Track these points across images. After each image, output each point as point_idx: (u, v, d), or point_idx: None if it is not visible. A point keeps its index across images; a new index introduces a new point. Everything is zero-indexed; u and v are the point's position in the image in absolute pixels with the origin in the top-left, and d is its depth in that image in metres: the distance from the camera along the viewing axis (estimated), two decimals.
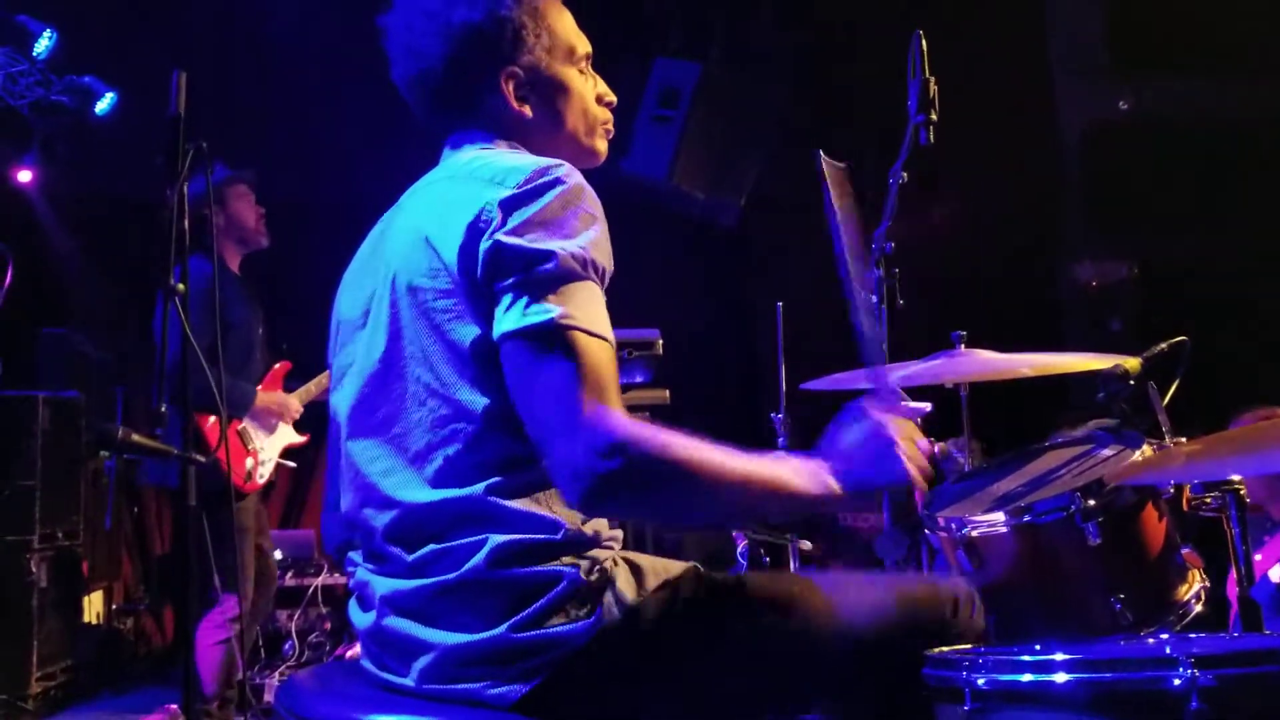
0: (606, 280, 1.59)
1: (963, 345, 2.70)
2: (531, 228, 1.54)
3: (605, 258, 1.58)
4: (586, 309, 1.52)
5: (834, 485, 1.57)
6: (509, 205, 1.55)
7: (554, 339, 1.49)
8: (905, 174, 2.70)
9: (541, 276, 1.51)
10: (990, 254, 5.76)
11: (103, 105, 5.19)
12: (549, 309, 1.49)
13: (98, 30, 5.43)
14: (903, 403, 1.74)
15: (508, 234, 1.53)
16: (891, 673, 1.72)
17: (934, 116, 2.51)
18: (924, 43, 2.54)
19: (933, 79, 2.53)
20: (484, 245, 1.54)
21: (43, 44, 5.12)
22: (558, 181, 1.58)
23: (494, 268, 1.54)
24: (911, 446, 1.62)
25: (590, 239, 1.56)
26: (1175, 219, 5.67)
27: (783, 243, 6.52)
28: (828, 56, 6.06)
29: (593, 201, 1.60)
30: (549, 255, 1.52)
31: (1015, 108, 5.79)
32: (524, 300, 1.51)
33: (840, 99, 5.97)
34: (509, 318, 1.51)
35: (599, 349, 1.50)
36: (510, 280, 1.52)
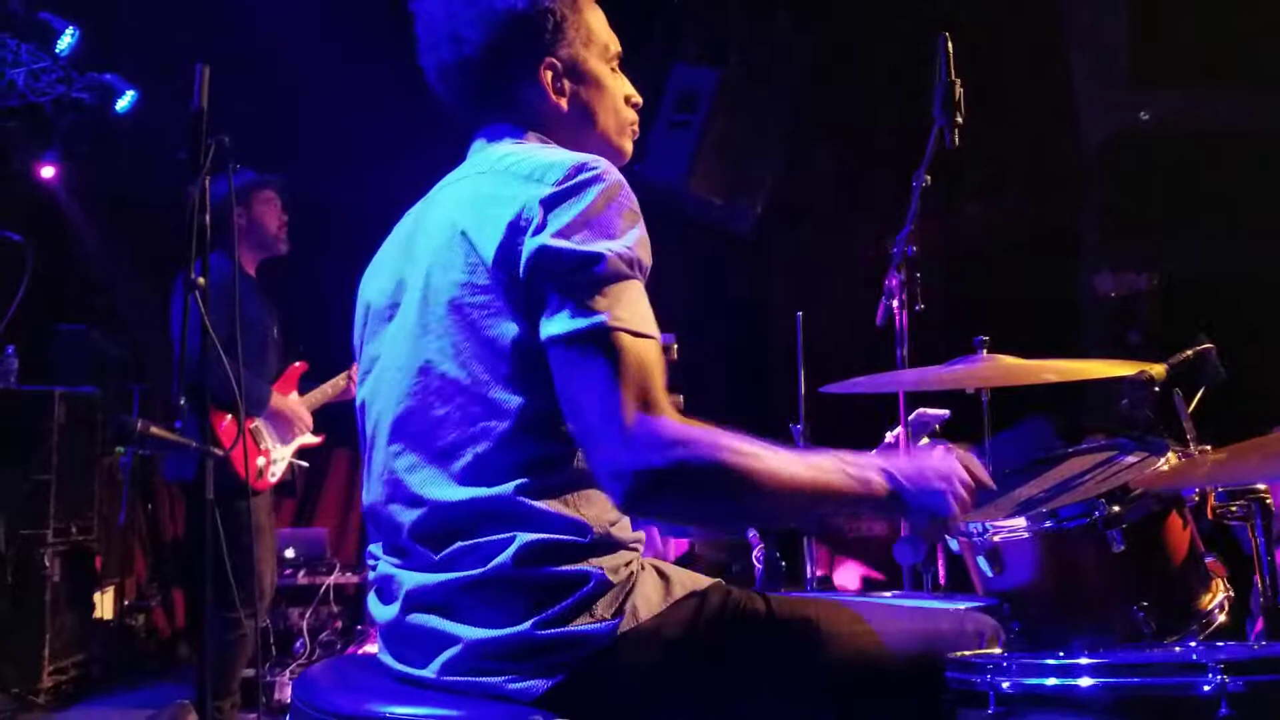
0: (647, 275, 1.59)
1: (985, 351, 2.69)
2: (576, 228, 1.53)
3: (647, 255, 1.58)
4: (633, 309, 1.51)
5: (878, 482, 1.58)
6: (550, 203, 1.54)
7: (602, 342, 1.48)
8: (928, 178, 2.68)
9: (588, 279, 1.51)
10: (1009, 263, 5.74)
11: (123, 103, 5.22)
12: (597, 313, 1.49)
13: (119, 28, 5.46)
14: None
15: (553, 235, 1.52)
16: (911, 704, 1.71)
17: (959, 119, 2.49)
18: (949, 45, 2.53)
19: (957, 81, 2.51)
20: (527, 245, 1.53)
21: (65, 41, 5.15)
22: (598, 179, 1.57)
23: (538, 269, 1.53)
24: (967, 494, 1.63)
25: (634, 237, 1.56)
26: (1196, 230, 5.64)
27: (799, 249, 6.51)
28: (846, 62, 6.05)
29: (631, 197, 1.60)
30: (597, 258, 1.51)
31: (1036, 117, 5.77)
32: (571, 303, 1.50)
33: (859, 104, 5.96)
34: (556, 322, 1.51)
35: (647, 349, 1.50)
36: (556, 283, 1.51)
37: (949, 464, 1.63)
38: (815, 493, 1.54)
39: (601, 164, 1.60)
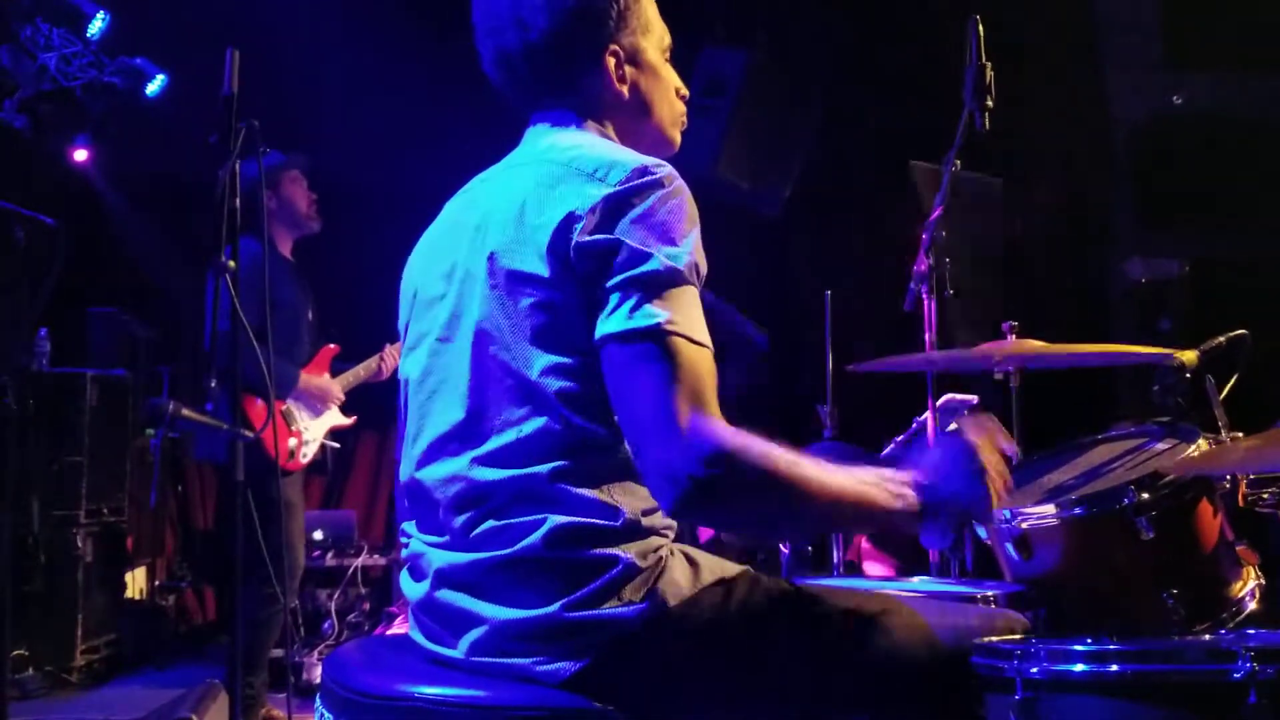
0: (703, 282, 1.60)
1: (1013, 336, 2.67)
2: (638, 230, 1.53)
3: (704, 261, 1.59)
4: (689, 315, 1.52)
5: (912, 499, 1.57)
6: (612, 202, 1.55)
7: (659, 344, 1.49)
8: (959, 162, 2.66)
9: (648, 280, 1.51)
10: (1039, 249, 5.70)
11: (153, 87, 5.24)
12: (655, 314, 1.49)
13: (148, 12, 5.49)
14: (1001, 437, 1.72)
15: (614, 234, 1.53)
16: (937, 698, 1.71)
17: (990, 103, 2.47)
18: (980, 28, 2.51)
19: (988, 64, 2.49)
20: (586, 240, 1.54)
21: (96, 25, 5.18)
22: (660, 183, 1.58)
23: (597, 265, 1.53)
24: (999, 471, 1.63)
25: (693, 243, 1.56)
26: (1228, 216, 5.57)
27: (826, 232, 6.48)
28: (876, 45, 6.01)
29: (692, 203, 1.60)
30: (655, 259, 1.52)
31: (1066, 101, 5.71)
32: (630, 303, 1.51)
33: (888, 87, 5.92)
34: (614, 319, 1.51)
35: (701, 357, 1.51)
36: (616, 281, 1.52)
37: (979, 459, 1.61)
38: (858, 507, 1.55)
39: (665, 168, 1.60)
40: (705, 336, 1.53)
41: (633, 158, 1.62)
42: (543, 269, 1.57)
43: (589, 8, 1.74)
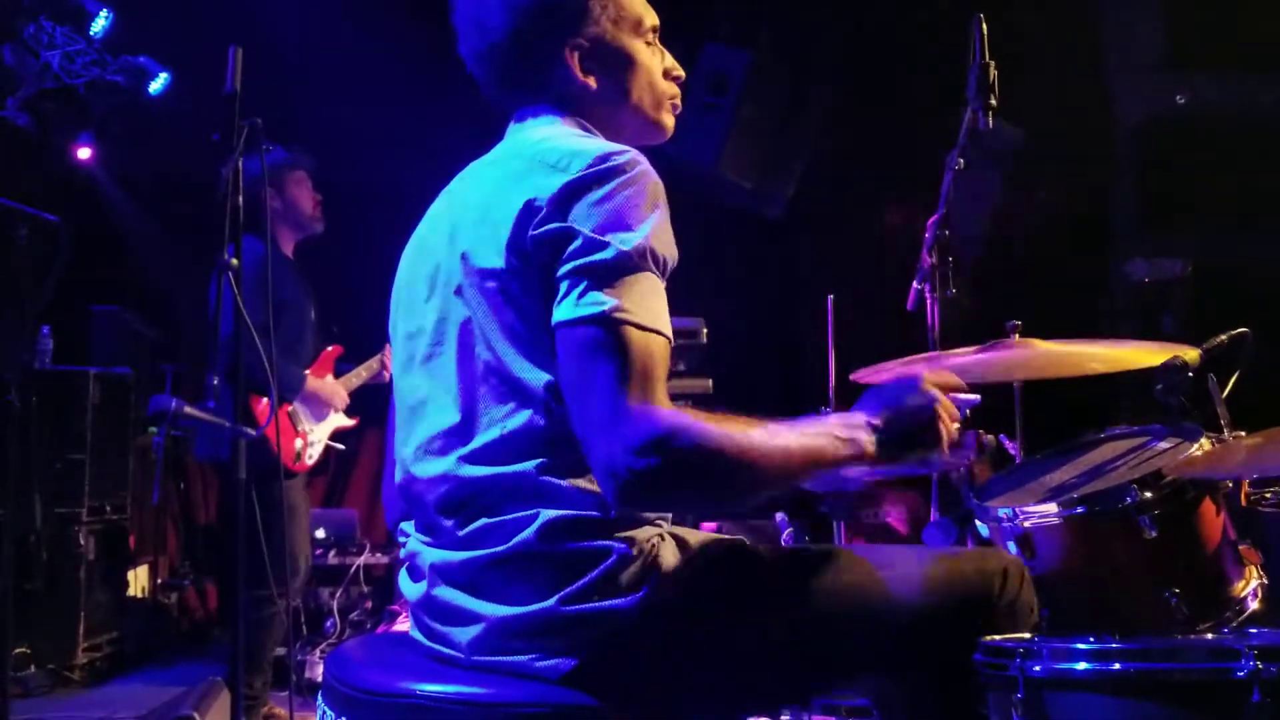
0: (668, 270, 1.58)
1: (1017, 336, 2.66)
2: (592, 216, 1.52)
3: (666, 248, 1.57)
4: (642, 302, 1.50)
5: (868, 445, 1.58)
6: (570, 190, 1.54)
7: (605, 332, 1.47)
8: (962, 160, 2.66)
9: (599, 267, 1.50)
10: (1042, 249, 5.70)
11: (156, 85, 5.26)
12: (603, 301, 1.48)
13: (151, 10, 5.49)
14: (958, 390, 1.74)
15: (568, 221, 1.52)
16: (938, 647, 1.71)
17: (993, 101, 2.47)
18: (984, 27, 2.51)
19: (992, 63, 2.49)
20: (542, 229, 1.53)
21: (99, 24, 5.20)
22: (620, 169, 1.56)
23: (552, 253, 1.52)
24: (950, 424, 1.64)
25: (652, 229, 1.54)
26: (1232, 216, 5.57)
27: (829, 232, 6.48)
28: (879, 44, 6.01)
29: (655, 189, 1.58)
30: (607, 245, 1.50)
31: (1069, 101, 5.71)
32: (578, 290, 1.49)
33: (892, 86, 5.92)
34: (563, 308, 1.51)
35: (650, 343, 1.49)
36: (567, 268, 1.51)
37: (926, 398, 1.63)
38: (808, 462, 1.54)
39: (628, 155, 1.58)
40: (659, 322, 1.51)
41: (596, 146, 1.60)
42: (508, 264, 1.56)
43: (545, 5, 1.72)
